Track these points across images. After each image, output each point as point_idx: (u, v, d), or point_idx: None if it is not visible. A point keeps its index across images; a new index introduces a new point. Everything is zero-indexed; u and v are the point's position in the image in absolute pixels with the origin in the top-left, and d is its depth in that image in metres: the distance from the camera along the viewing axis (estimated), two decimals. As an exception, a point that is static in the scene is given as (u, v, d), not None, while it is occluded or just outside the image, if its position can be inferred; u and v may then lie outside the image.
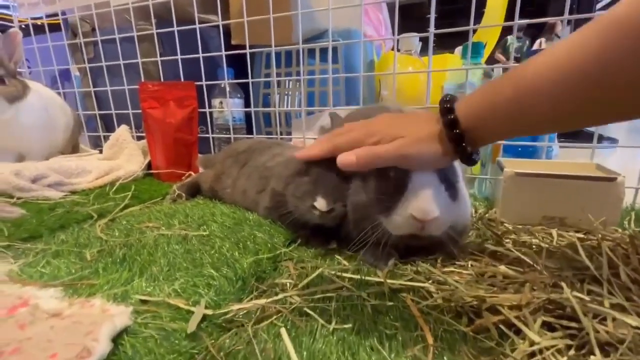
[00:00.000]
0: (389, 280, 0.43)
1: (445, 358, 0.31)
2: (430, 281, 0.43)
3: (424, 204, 0.44)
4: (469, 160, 0.43)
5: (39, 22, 1.29)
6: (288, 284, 0.44)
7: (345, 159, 0.44)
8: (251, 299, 0.41)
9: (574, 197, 0.60)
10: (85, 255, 0.53)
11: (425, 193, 0.45)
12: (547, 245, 0.49)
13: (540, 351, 0.29)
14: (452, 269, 0.47)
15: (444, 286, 0.41)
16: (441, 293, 0.39)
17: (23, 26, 1.28)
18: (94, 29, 1.17)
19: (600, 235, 0.42)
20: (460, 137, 0.41)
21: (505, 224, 0.62)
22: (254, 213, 0.69)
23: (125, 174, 1.05)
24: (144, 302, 0.39)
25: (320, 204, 0.50)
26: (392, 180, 0.47)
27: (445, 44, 1.01)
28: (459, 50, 1.06)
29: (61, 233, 0.64)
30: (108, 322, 0.32)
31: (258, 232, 0.57)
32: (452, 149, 0.42)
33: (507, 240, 0.53)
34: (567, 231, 0.57)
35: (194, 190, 0.92)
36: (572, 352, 0.29)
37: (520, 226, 0.61)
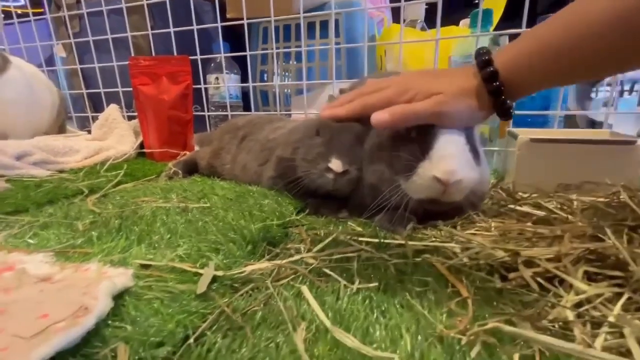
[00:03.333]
0: (410, 242, 0.40)
1: (485, 312, 0.28)
2: (453, 242, 0.41)
3: (448, 165, 0.41)
4: (507, 114, 0.41)
5: (19, 10, 1.22)
6: (302, 248, 0.41)
7: (379, 117, 0.42)
8: (264, 261, 0.38)
9: (590, 163, 0.58)
10: (77, 226, 0.49)
11: (451, 154, 0.42)
12: (567, 209, 0.47)
13: (588, 301, 0.27)
14: (474, 231, 0.44)
15: (470, 245, 0.38)
16: (467, 252, 0.36)
17: (3, 15, 1.21)
18: (78, 1, 1.10)
19: (630, 191, 0.40)
20: (499, 90, 0.39)
21: (520, 193, 0.60)
22: (257, 186, 0.65)
23: (116, 154, 1.00)
24: (145, 267, 0.36)
25: (335, 164, 0.47)
26: (414, 140, 0.44)
27: (450, 17, 0.97)
28: (463, 23, 1.03)
29: (49, 207, 0.60)
30: (107, 281, 0.28)
31: (264, 201, 0.53)
32: (490, 102, 0.41)
33: (526, 206, 0.51)
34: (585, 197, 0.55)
35: (190, 168, 0.87)
36: (623, 300, 0.26)
37: (535, 194, 0.59)
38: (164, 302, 0.28)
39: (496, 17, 0.88)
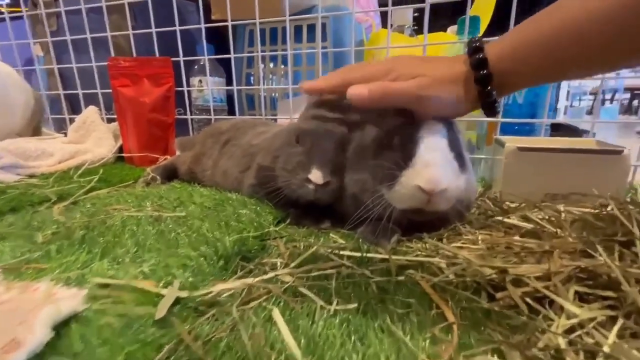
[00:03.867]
0: (394, 257, 0.38)
1: (471, 338, 0.26)
2: (439, 256, 0.39)
3: (432, 173, 0.39)
4: (492, 109, 0.39)
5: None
6: (279, 263, 0.38)
7: (356, 91, 0.39)
8: (236, 279, 0.35)
9: (577, 173, 0.58)
10: (36, 238, 0.45)
11: (434, 161, 0.40)
12: (555, 221, 0.46)
13: (581, 325, 0.25)
14: (460, 244, 0.42)
15: (456, 260, 0.36)
16: (453, 268, 0.34)
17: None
18: (56, -1, 1.05)
19: (619, 203, 0.39)
20: (487, 79, 0.37)
21: (507, 202, 0.59)
22: (237, 194, 0.63)
23: (93, 158, 0.96)
24: (104, 286, 0.32)
25: (316, 176, 0.44)
26: (396, 147, 0.42)
27: (437, 24, 0.97)
28: (451, 29, 1.03)
29: (10, 216, 0.55)
30: (50, 307, 0.25)
31: (243, 211, 0.50)
32: (476, 93, 0.38)
33: (513, 217, 0.49)
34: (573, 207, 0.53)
35: (170, 173, 0.84)
36: (617, 324, 0.24)
37: (523, 204, 0.58)
38: (116, 330, 0.25)
39: (484, 24, 0.88)
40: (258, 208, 0.52)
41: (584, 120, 0.67)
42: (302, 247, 0.42)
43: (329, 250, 0.40)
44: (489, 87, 0.37)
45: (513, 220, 0.44)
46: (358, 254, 0.39)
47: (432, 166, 0.40)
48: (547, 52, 0.34)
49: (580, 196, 0.57)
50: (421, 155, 0.40)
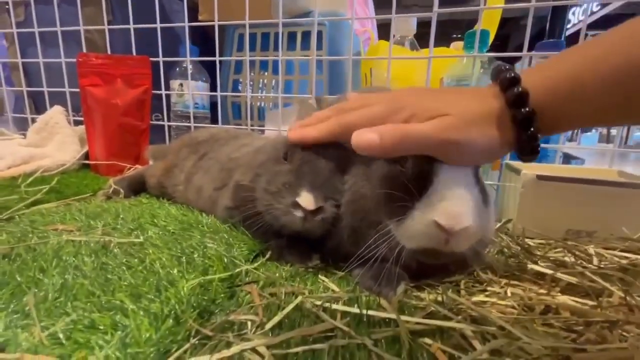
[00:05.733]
0: (403, 317, 0.29)
1: None
2: (459, 316, 0.30)
3: (453, 207, 0.31)
4: (532, 153, 0.31)
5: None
6: (249, 323, 0.28)
7: (363, 138, 0.31)
8: (186, 351, 0.25)
9: (602, 207, 0.51)
10: None
11: (457, 192, 0.32)
12: (594, 265, 0.38)
13: None
14: (483, 297, 0.34)
15: (485, 327, 0.27)
16: (488, 344, 0.25)
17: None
18: (25, -14, 0.96)
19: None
20: (530, 118, 0.29)
21: (526, 239, 0.51)
22: (210, 216, 0.53)
23: (52, 164, 0.84)
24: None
25: (306, 200, 0.35)
26: (409, 171, 0.34)
27: (439, 39, 0.92)
28: (454, 45, 0.98)
29: None
30: None
31: (211, 241, 0.41)
32: (513, 134, 0.30)
33: (542, 262, 0.41)
34: (602, 247, 0.46)
35: (137, 186, 0.73)
36: None
37: (543, 241, 0.50)
38: None
39: (490, 36, 0.82)
40: (230, 238, 0.42)
41: (615, 150, 0.60)
42: (282, 296, 0.33)
43: (318, 304, 0.31)
44: (532, 129, 0.29)
45: (545, 268, 0.36)
46: (356, 310, 0.30)
47: (454, 198, 0.32)
48: (613, 90, 0.26)
49: (607, 234, 0.50)
50: (440, 183, 0.32)
